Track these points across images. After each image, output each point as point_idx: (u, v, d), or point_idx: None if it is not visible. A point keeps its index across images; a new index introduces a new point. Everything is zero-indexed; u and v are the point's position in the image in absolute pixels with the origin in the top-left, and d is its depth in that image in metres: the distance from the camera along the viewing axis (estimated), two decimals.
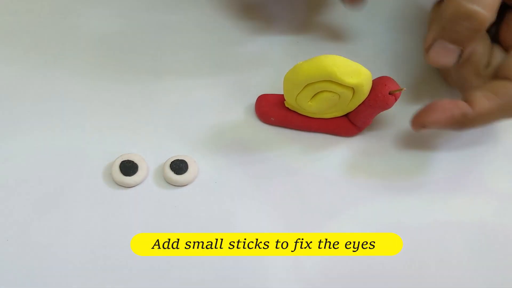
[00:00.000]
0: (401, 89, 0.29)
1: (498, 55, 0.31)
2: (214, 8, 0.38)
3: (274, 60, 0.36)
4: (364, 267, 0.29)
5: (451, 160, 0.33)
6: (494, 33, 0.32)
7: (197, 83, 0.34)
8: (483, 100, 0.29)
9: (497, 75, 0.30)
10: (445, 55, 0.29)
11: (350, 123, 0.32)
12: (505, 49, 0.31)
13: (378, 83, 0.29)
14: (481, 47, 0.31)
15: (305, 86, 0.29)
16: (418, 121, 0.30)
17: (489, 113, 0.29)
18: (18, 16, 0.37)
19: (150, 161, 0.31)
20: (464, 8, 0.28)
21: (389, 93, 0.29)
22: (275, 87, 0.33)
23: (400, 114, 0.34)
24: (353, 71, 0.28)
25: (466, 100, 0.29)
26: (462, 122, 0.29)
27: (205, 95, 0.34)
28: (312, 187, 0.31)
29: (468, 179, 0.32)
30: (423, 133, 0.33)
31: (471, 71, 0.31)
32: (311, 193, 0.31)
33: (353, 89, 0.29)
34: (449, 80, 0.34)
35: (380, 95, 0.29)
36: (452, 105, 0.29)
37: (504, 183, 0.32)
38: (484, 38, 0.31)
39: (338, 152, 0.32)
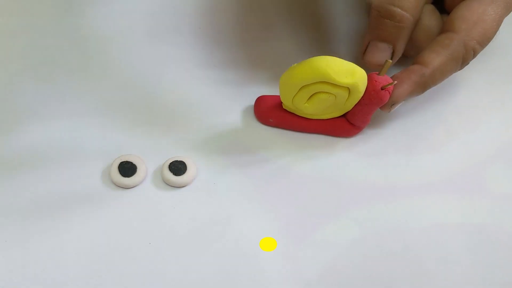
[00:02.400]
0: (392, 83, 0.29)
1: None
2: (212, 9, 0.38)
3: (272, 61, 0.36)
4: (364, 268, 0.29)
5: (451, 161, 0.33)
6: (442, 4, 0.34)
7: (196, 84, 0.35)
8: (433, 55, 0.30)
9: (441, 30, 0.32)
10: (379, 54, 0.31)
11: (349, 123, 0.32)
12: None
13: (369, 81, 0.29)
14: (433, 21, 0.33)
15: (301, 88, 0.29)
16: (386, 104, 0.31)
17: (442, 65, 0.31)
18: (18, 16, 0.37)
19: (149, 162, 0.31)
20: (383, 8, 0.31)
21: (381, 88, 0.29)
22: (274, 88, 0.33)
23: (399, 113, 0.34)
24: (347, 71, 0.28)
25: (418, 61, 0.31)
26: (423, 83, 0.31)
27: (204, 96, 0.34)
28: (312, 188, 0.31)
29: (468, 181, 0.32)
30: (418, 131, 0.34)
31: (429, 43, 0.32)
32: (310, 194, 0.31)
33: (348, 89, 0.29)
34: (406, 53, 0.35)
35: (373, 92, 0.29)
36: (408, 73, 0.30)
37: (505, 185, 0.32)
38: (434, 11, 0.33)
39: (337, 153, 0.33)
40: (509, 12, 0.32)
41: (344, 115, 0.32)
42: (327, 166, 0.32)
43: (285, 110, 0.32)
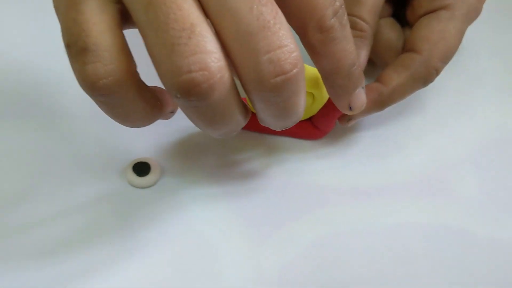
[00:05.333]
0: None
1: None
2: None
3: None
4: (325, 268, 0.29)
5: (417, 164, 0.33)
6: (403, 17, 0.34)
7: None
8: (393, 75, 0.31)
9: (404, 49, 0.32)
10: None
11: (314, 126, 0.32)
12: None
13: None
14: (394, 33, 0.33)
15: None
16: (344, 117, 0.31)
17: (402, 85, 0.31)
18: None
19: (113, 163, 0.31)
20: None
21: None
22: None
23: (367, 116, 0.34)
24: (311, 77, 0.28)
25: (378, 80, 0.31)
26: (381, 102, 0.31)
27: None
28: (277, 190, 0.31)
29: (434, 184, 0.32)
30: (386, 134, 0.34)
31: (392, 56, 0.33)
32: (275, 196, 0.31)
33: (313, 94, 0.29)
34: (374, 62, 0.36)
35: None
36: (367, 91, 0.30)
37: (471, 188, 0.32)
38: (395, 24, 0.34)
39: (303, 155, 0.33)
40: (471, 22, 0.32)
41: (310, 119, 0.32)
42: (294, 168, 0.32)
43: (253, 113, 0.32)
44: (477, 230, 0.31)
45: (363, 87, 0.27)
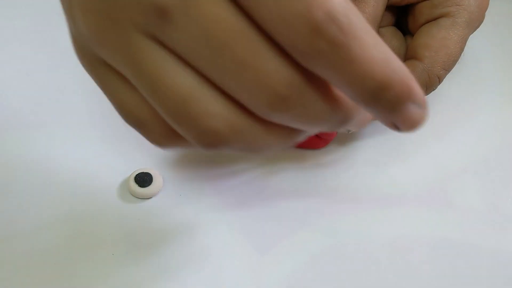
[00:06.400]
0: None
1: None
2: None
3: None
4: (327, 279, 0.29)
5: (418, 173, 0.33)
6: (405, 26, 0.34)
7: None
8: None
9: (405, 57, 0.32)
10: None
11: (316, 136, 0.32)
12: None
13: None
14: (396, 42, 0.33)
15: None
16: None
17: None
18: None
19: (115, 174, 0.31)
20: None
21: None
22: None
23: (368, 126, 0.34)
24: None
25: None
26: None
27: None
28: (278, 200, 0.31)
29: (435, 193, 0.32)
30: (386, 143, 0.34)
31: None
32: (277, 206, 0.31)
33: None
34: None
35: None
36: None
37: (471, 199, 0.32)
38: (397, 33, 0.34)
39: (304, 164, 0.33)
40: (474, 30, 0.32)
41: None
42: (295, 178, 0.32)
43: None
44: (480, 241, 0.30)
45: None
